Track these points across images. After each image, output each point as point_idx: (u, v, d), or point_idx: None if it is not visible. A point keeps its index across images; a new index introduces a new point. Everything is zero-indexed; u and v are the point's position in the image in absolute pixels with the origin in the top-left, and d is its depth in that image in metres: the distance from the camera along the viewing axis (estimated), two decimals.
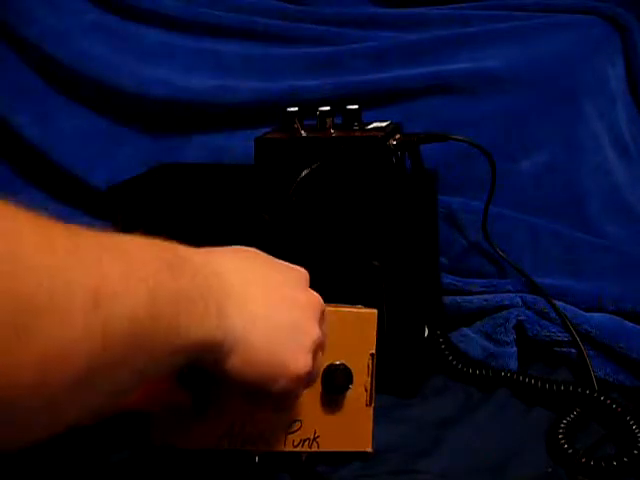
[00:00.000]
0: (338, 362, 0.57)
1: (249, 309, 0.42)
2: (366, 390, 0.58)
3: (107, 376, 0.32)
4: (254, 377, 0.42)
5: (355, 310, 0.58)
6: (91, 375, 0.30)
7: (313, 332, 0.46)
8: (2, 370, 0.26)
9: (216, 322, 0.39)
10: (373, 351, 0.57)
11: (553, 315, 0.74)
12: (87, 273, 0.30)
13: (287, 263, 0.49)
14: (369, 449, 0.59)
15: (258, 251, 0.48)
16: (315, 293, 0.48)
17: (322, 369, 0.57)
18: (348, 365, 0.57)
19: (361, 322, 0.58)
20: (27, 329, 0.27)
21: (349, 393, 0.57)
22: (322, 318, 0.48)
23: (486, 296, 0.78)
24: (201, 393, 0.54)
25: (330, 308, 0.57)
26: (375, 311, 0.58)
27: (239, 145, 0.91)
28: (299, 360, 0.44)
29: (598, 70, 0.90)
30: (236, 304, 0.41)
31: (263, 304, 0.43)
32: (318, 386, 0.57)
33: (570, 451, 0.60)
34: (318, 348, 0.47)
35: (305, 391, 0.53)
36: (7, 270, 0.26)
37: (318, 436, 0.57)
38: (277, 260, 0.49)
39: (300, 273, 0.49)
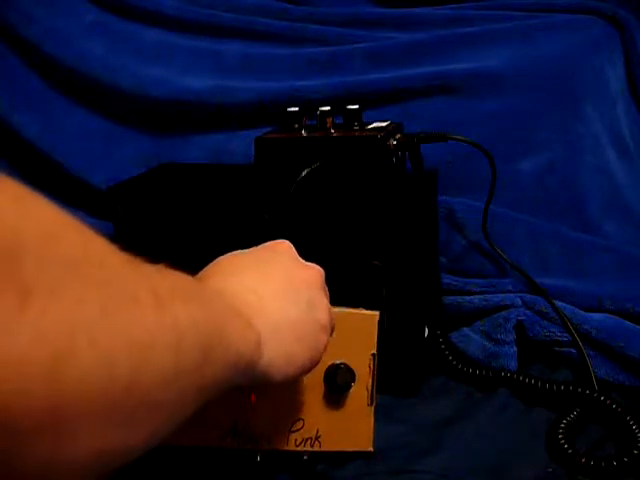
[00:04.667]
0: (340, 362, 0.57)
1: (267, 312, 0.43)
2: (367, 390, 0.58)
3: (181, 386, 0.31)
4: (295, 371, 0.45)
5: (357, 312, 0.59)
6: (170, 378, 0.30)
7: (324, 304, 0.48)
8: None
9: (250, 334, 0.40)
10: (374, 352, 0.58)
11: (553, 315, 0.74)
12: (141, 280, 0.31)
13: (268, 244, 0.50)
14: (370, 449, 0.59)
15: (244, 251, 0.49)
16: (311, 264, 0.50)
17: (324, 368, 0.57)
18: (350, 365, 0.57)
19: (363, 323, 0.58)
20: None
21: (351, 393, 0.58)
22: (324, 283, 0.50)
23: (486, 296, 0.77)
24: None
25: (332, 309, 0.57)
26: (377, 313, 0.58)
27: (239, 145, 0.91)
28: (323, 337, 0.47)
29: (598, 70, 0.90)
30: (255, 312, 0.42)
31: (275, 300, 0.45)
32: (321, 385, 0.57)
33: (570, 451, 0.60)
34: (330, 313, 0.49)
35: (308, 390, 0.56)
36: None
37: (320, 435, 0.57)
38: (260, 248, 0.50)
39: (285, 246, 0.50)
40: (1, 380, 0.22)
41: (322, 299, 0.48)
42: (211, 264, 0.46)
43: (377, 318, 0.58)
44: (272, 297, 0.45)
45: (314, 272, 0.49)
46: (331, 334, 0.49)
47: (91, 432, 0.25)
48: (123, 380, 0.26)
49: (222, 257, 0.47)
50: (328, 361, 0.57)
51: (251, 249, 0.49)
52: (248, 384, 0.42)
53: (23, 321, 0.23)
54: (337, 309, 0.58)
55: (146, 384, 0.28)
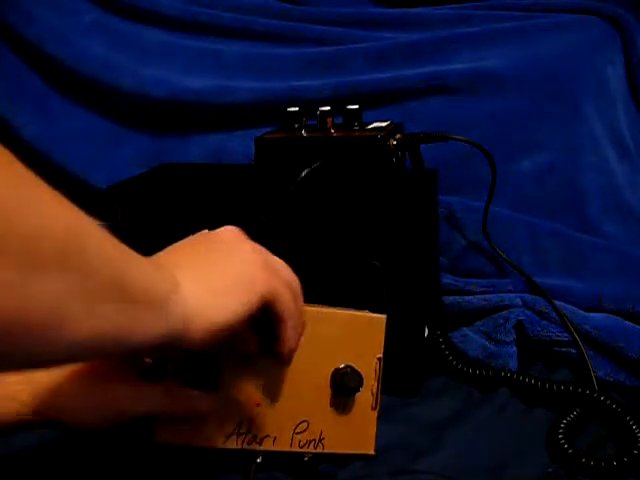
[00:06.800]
0: (346, 365, 0.57)
1: (185, 263, 0.45)
2: (372, 394, 0.58)
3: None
4: (230, 307, 0.44)
5: (364, 314, 0.58)
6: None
7: (250, 247, 0.49)
8: None
9: (159, 270, 0.41)
10: (381, 355, 0.58)
11: (553, 315, 0.74)
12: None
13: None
14: (372, 452, 0.59)
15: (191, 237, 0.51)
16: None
17: (331, 371, 0.57)
18: (356, 368, 0.57)
19: (370, 327, 0.58)
20: None
21: (356, 396, 0.57)
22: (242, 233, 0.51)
23: (486, 296, 0.77)
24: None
25: (340, 311, 0.57)
26: (384, 316, 0.58)
27: (239, 145, 0.91)
28: (258, 277, 0.46)
29: (598, 70, 0.90)
30: (172, 264, 0.44)
31: (193, 258, 0.47)
32: (327, 387, 0.57)
33: (570, 451, 0.59)
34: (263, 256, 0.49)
35: (313, 392, 0.56)
36: None
37: (324, 437, 0.57)
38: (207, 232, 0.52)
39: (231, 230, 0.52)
40: None
41: (245, 245, 0.49)
42: None
43: (384, 321, 0.58)
44: (192, 261, 0.46)
45: (227, 230, 0.51)
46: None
47: None
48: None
49: None
50: (334, 364, 0.57)
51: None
52: (181, 328, 0.41)
53: None
54: (343, 311, 0.58)
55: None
